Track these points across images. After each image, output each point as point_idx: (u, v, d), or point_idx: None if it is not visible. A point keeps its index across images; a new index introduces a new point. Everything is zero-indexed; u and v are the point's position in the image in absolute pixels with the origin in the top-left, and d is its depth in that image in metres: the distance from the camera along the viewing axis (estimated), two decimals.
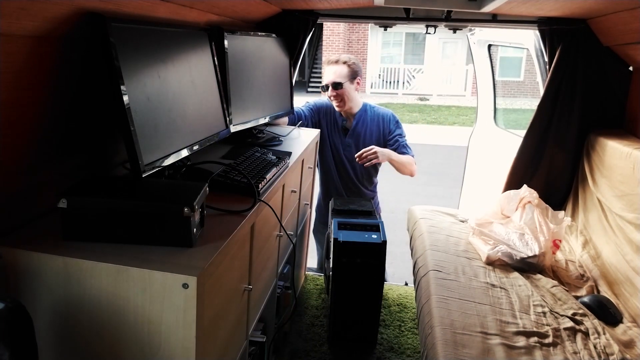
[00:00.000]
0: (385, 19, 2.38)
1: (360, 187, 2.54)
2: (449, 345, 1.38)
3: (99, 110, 1.29)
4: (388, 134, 2.46)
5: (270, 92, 2.14)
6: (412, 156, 2.42)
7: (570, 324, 1.54)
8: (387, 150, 2.32)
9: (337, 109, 2.46)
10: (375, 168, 2.53)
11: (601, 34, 2.09)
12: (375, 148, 2.26)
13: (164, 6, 1.35)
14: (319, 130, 2.42)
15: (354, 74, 2.42)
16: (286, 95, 2.30)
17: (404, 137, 2.46)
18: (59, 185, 1.14)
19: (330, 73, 2.41)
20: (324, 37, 14.25)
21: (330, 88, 2.40)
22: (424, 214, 2.36)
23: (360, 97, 2.54)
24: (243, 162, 1.54)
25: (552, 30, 2.16)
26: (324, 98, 2.60)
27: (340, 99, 2.41)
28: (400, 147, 2.42)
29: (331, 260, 2.04)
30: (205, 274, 0.96)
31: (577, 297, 1.72)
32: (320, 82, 14.25)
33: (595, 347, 1.45)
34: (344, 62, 2.40)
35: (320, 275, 2.80)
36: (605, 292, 1.77)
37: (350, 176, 2.52)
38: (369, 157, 2.24)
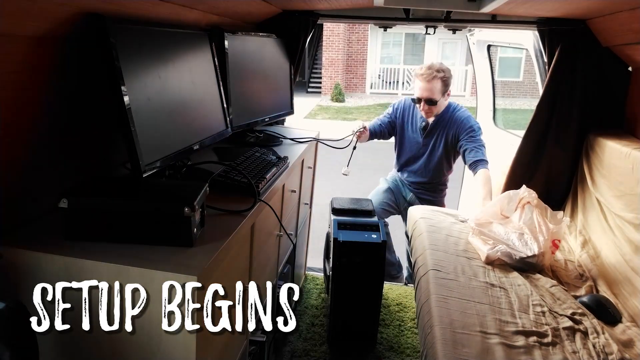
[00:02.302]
0: (385, 19, 2.38)
1: (430, 184, 2.60)
2: (449, 345, 1.39)
3: (99, 110, 1.29)
4: (457, 139, 2.45)
5: (270, 93, 2.14)
6: (484, 160, 2.33)
7: (569, 323, 1.54)
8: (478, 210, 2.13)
9: (424, 116, 2.50)
10: (448, 163, 2.57)
11: (600, 34, 2.09)
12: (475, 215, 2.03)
13: (164, 7, 1.36)
14: (319, 131, 2.42)
15: (447, 87, 2.42)
16: (286, 96, 2.30)
17: (476, 140, 2.38)
18: (59, 185, 1.14)
19: (424, 89, 2.39)
20: (324, 37, 14.24)
21: (423, 103, 2.42)
22: (424, 214, 2.36)
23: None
24: (243, 162, 1.54)
25: (552, 31, 2.16)
26: (407, 99, 2.63)
27: (431, 111, 2.45)
28: (474, 153, 2.35)
29: (331, 260, 2.05)
30: (205, 273, 0.96)
31: (576, 297, 1.72)
32: (319, 82, 14.11)
33: (594, 346, 1.45)
34: (440, 78, 2.37)
35: (320, 274, 2.80)
36: (604, 291, 1.77)
37: (421, 169, 2.59)
38: None
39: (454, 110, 2.49)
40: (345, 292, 2.02)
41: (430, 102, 2.39)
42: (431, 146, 2.54)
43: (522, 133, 2.35)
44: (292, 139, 2.14)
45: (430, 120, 2.51)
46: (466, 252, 1.97)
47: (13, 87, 0.99)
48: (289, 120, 2.61)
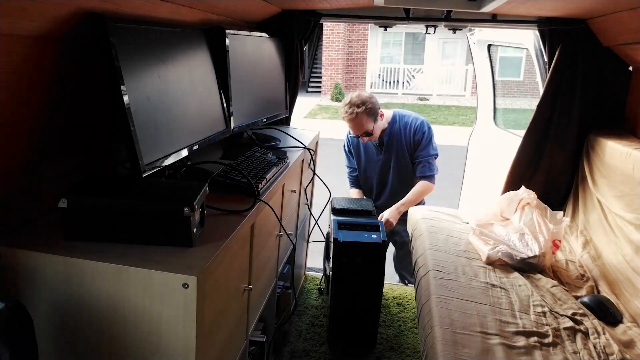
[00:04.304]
0: (385, 19, 2.38)
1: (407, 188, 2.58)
2: (449, 345, 1.38)
3: (99, 110, 1.29)
4: (415, 148, 2.49)
5: (270, 93, 2.14)
6: (431, 175, 2.48)
7: (570, 323, 1.54)
8: (391, 210, 2.43)
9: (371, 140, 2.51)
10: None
11: (601, 34, 2.09)
12: (385, 217, 2.39)
13: (164, 6, 1.35)
14: (319, 131, 2.42)
15: (375, 113, 2.38)
16: (283, 97, 2.30)
17: (430, 152, 2.47)
18: (59, 185, 1.14)
19: (354, 128, 2.40)
20: (324, 37, 14.23)
21: (361, 137, 2.45)
22: (425, 214, 2.36)
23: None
24: (243, 162, 1.54)
25: (552, 31, 2.15)
26: (347, 134, 2.63)
27: (374, 136, 2.46)
28: (421, 167, 2.47)
29: (331, 260, 2.04)
30: (205, 273, 0.96)
31: (577, 297, 1.72)
32: (319, 82, 14.04)
33: (594, 347, 1.45)
34: (362, 112, 2.33)
35: (320, 273, 2.80)
36: (605, 292, 1.77)
37: (394, 183, 2.58)
38: (387, 228, 2.34)
39: (400, 120, 2.49)
40: (346, 292, 2.02)
41: (366, 134, 2.41)
42: (394, 157, 2.52)
43: (522, 133, 2.34)
44: (283, 147, 2.12)
45: (382, 138, 2.51)
46: (467, 253, 1.97)
47: (13, 87, 0.99)
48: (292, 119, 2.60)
